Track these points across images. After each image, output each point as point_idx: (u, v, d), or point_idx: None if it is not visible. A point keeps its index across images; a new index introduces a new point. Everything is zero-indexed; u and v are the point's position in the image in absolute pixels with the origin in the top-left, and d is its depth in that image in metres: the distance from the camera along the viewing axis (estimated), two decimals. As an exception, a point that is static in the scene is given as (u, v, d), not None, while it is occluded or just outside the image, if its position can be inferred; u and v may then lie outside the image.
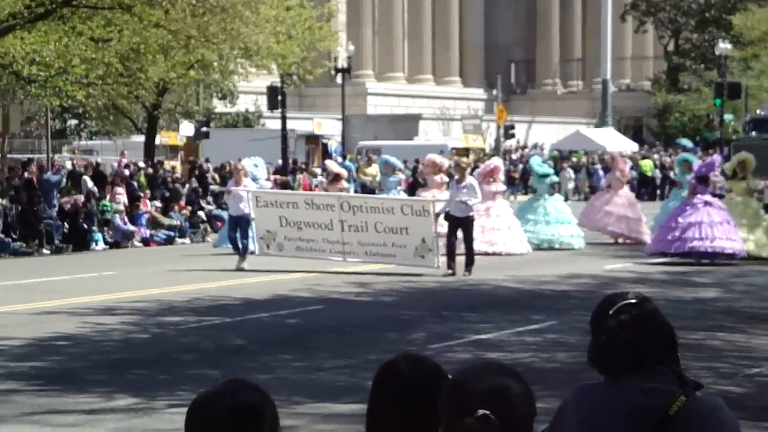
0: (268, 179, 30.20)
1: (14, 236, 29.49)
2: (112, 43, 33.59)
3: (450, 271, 21.45)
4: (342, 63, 54.74)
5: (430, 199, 24.67)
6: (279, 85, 43.87)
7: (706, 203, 23.46)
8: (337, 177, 26.13)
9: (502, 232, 26.26)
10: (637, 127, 75.76)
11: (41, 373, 12.84)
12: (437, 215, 22.08)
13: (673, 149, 56.82)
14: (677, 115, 70.96)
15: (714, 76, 62.64)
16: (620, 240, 28.91)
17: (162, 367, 13.02)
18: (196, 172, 37.62)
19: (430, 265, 21.55)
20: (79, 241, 30.78)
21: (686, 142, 52.13)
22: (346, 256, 22.45)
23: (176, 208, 33.82)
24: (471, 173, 29.22)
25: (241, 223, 23.34)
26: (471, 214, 22.12)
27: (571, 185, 51.91)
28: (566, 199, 49.44)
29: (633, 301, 3.65)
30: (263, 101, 61.07)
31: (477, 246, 25.29)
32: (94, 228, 31.39)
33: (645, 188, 51.57)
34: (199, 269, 23.19)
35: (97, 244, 31.09)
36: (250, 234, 23.29)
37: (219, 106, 57.24)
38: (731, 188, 25.46)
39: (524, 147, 62.79)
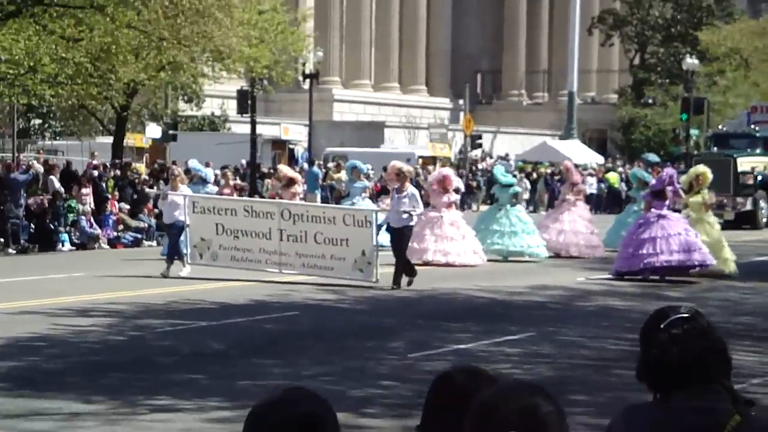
0: (215, 183, 29.98)
1: (-20, 235, 29.19)
2: (83, 42, 33.36)
3: (404, 281, 20.90)
4: (310, 68, 54.61)
5: (373, 208, 24.21)
6: (248, 89, 43.73)
7: (660, 216, 23.06)
8: (291, 182, 25.56)
9: (457, 243, 25.85)
10: (602, 140, 76.11)
11: (16, 374, 12.67)
12: (380, 227, 21.58)
13: (638, 163, 57.15)
14: (642, 129, 71.36)
15: (680, 91, 63.05)
16: (575, 254, 28.50)
17: (140, 371, 12.89)
18: (164, 174, 37.35)
19: (368, 279, 20.82)
20: (46, 242, 30.53)
21: (653, 157, 52.42)
22: (283, 267, 21.69)
23: (145, 210, 33.59)
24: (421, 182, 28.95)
25: (173, 231, 22.72)
26: (411, 224, 21.51)
27: (526, 196, 51.98)
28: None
29: (685, 315, 3.58)
30: (229, 105, 60.90)
31: (431, 256, 25.27)
32: (61, 229, 31.13)
33: (613, 201, 51.70)
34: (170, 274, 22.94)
35: (63, 245, 30.85)
36: (182, 240, 22.58)
37: (185, 109, 56.97)
38: (686, 203, 24.83)
39: (489, 156, 62.90)
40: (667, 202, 23.52)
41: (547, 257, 27.34)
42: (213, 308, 17.94)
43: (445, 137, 63.20)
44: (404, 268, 20.97)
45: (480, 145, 61.01)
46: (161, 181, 37.46)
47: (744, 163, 40.97)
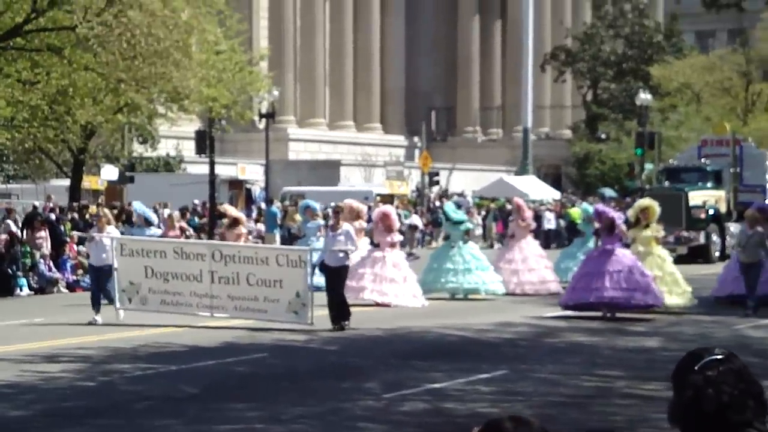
0: (159, 226, 29.22)
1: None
2: (39, 85, 33.15)
3: (335, 326, 20.11)
4: (265, 108, 54.57)
5: (306, 248, 23.26)
6: (205, 129, 43.63)
7: (604, 252, 22.49)
8: (235, 222, 24.66)
9: (396, 284, 24.79)
10: (557, 176, 76.54)
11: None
12: (314, 266, 20.87)
13: (593, 198, 57.58)
14: (597, 164, 71.85)
15: (633, 125, 63.59)
16: (530, 291, 27.95)
17: (115, 417, 12.71)
18: (123, 216, 37.11)
19: (303, 321, 19.99)
20: (4, 287, 30.14)
21: (609, 192, 52.70)
22: (214, 310, 20.92)
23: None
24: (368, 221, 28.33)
25: (102, 275, 21.77)
26: (346, 263, 20.77)
27: (478, 231, 52.08)
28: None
29: (720, 356, 3.54)
30: (185, 145, 60.70)
31: (368, 294, 24.43)
32: (19, 273, 30.77)
33: (576, 236, 51.74)
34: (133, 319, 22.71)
35: (21, 290, 30.48)
36: (110, 285, 21.64)
37: (139, 150, 56.72)
38: (634, 237, 24.02)
39: (446, 194, 63.04)
40: (616, 237, 22.90)
41: (503, 293, 26.94)
42: (182, 351, 17.76)
43: (401, 175, 63.31)
44: (339, 309, 20.27)
45: (437, 182, 61.16)
46: (120, 224, 37.22)
47: (695, 197, 40.57)
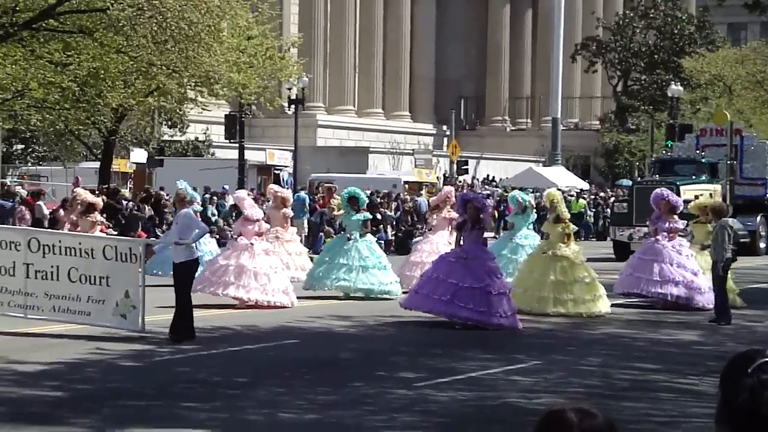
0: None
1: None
2: (71, 67, 33.17)
3: (172, 335, 16.90)
4: (295, 94, 54.51)
5: (140, 240, 20.85)
6: (235, 114, 43.60)
7: (463, 261, 19.17)
8: (90, 207, 22.07)
9: (265, 277, 21.34)
10: (586, 167, 76.23)
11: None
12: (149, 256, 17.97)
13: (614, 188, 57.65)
14: (627, 155, 71.49)
15: (664, 117, 63.21)
16: None
17: (158, 398, 12.65)
18: (152, 200, 37.15)
19: (132, 327, 17.15)
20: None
21: (627, 182, 52.24)
22: (28, 311, 17.79)
23: (135, 236, 33.30)
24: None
25: None
26: (187, 259, 17.15)
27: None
28: None
29: None
30: (213, 130, 60.73)
31: (232, 291, 21.04)
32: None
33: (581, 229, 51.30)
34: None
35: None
36: None
37: (168, 134, 56.81)
38: (547, 232, 21.94)
39: (476, 180, 62.88)
40: (483, 230, 19.76)
41: (399, 295, 22.69)
42: (213, 336, 17.65)
43: (430, 163, 63.14)
44: (182, 314, 17.06)
45: (466, 171, 60.96)
46: (148, 207, 37.25)
47: (688, 191, 36.64)
